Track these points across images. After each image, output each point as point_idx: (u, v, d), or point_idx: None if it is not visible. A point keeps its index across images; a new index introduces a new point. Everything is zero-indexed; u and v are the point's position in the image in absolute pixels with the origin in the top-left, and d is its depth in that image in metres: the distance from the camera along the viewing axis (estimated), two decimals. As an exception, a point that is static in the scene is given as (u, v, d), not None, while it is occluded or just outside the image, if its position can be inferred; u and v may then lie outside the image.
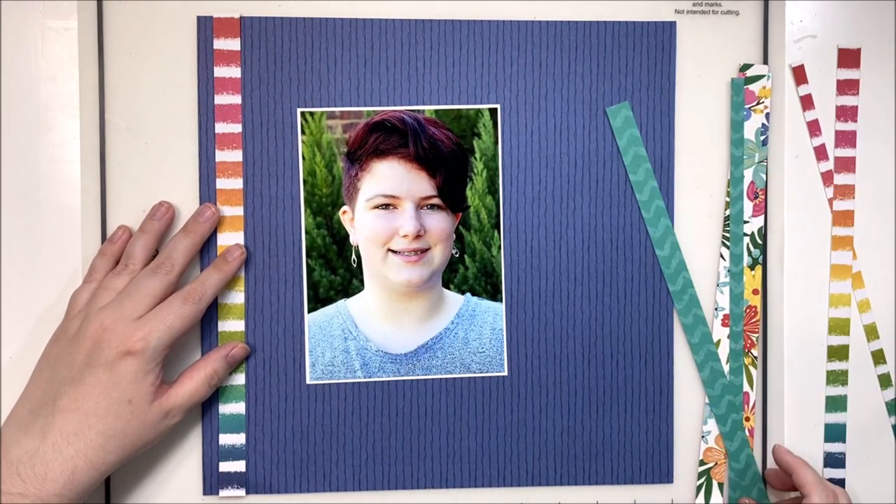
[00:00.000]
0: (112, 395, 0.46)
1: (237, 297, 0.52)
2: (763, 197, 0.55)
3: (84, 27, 0.52)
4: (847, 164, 0.55)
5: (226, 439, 0.52)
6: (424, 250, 0.53)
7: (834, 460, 0.55)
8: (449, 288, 0.54)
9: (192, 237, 0.50)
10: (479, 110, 0.53)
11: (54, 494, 0.44)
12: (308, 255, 0.53)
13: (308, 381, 0.53)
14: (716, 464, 0.55)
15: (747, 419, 0.54)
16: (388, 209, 0.52)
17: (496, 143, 0.53)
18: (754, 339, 0.55)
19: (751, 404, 0.54)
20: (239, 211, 0.52)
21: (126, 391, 0.46)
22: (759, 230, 0.55)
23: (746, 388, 0.54)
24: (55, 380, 0.46)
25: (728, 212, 0.54)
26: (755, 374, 0.55)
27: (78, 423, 0.45)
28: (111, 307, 0.47)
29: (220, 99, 0.52)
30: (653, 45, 0.54)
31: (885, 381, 0.55)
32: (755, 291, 0.54)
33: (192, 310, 0.48)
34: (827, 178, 0.55)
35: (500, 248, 0.54)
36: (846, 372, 0.55)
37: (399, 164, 0.52)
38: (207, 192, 0.52)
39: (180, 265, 0.49)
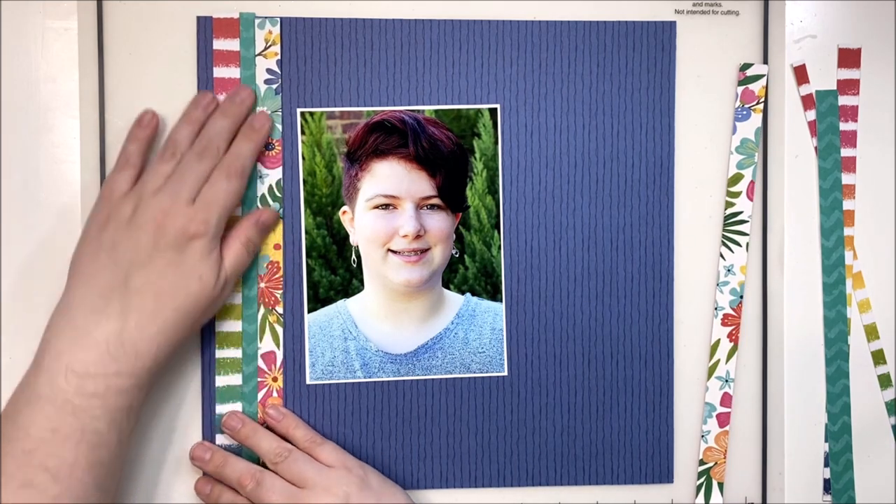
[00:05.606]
0: (184, 273, 0.47)
1: (236, 297, 0.52)
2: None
3: (84, 27, 0.52)
4: (847, 164, 0.55)
5: (224, 439, 0.52)
6: (424, 250, 0.53)
7: (834, 460, 0.55)
8: (449, 288, 0.54)
9: (230, 119, 0.50)
10: (479, 110, 0.53)
11: (146, 370, 0.45)
12: (308, 255, 0.53)
13: (308, 382, 0.53)
14: (716, 463, 0.55)
15: (747, 419, 0.55)
16: (387, 209, 0.52)
17: (496, 143, 0.53)
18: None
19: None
20: (238, 211, 0.52)
21: (196, 268, 0.47)
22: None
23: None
24: (119, 263, 0.46)
25: (728, 212, 0.54)
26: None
27: (155, 302, 0.46)
28: (166, 192, 0.47)
29: (220, 99, 0.52)
30: (653, 45, 0.54)
31: (884, 381, 0.55)
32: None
33: (237, 184, 0.49)
34: (827, 178, 0.55)
35: (500, 248, 0.54)
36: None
37: (399, 164, 0.52)
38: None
39: (223, 148, 0.49)
